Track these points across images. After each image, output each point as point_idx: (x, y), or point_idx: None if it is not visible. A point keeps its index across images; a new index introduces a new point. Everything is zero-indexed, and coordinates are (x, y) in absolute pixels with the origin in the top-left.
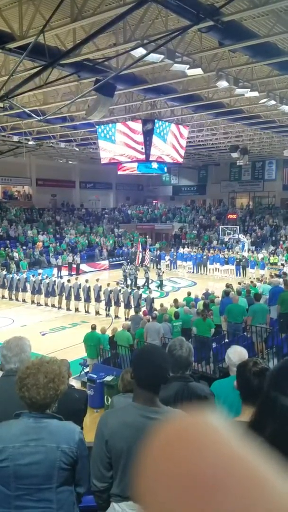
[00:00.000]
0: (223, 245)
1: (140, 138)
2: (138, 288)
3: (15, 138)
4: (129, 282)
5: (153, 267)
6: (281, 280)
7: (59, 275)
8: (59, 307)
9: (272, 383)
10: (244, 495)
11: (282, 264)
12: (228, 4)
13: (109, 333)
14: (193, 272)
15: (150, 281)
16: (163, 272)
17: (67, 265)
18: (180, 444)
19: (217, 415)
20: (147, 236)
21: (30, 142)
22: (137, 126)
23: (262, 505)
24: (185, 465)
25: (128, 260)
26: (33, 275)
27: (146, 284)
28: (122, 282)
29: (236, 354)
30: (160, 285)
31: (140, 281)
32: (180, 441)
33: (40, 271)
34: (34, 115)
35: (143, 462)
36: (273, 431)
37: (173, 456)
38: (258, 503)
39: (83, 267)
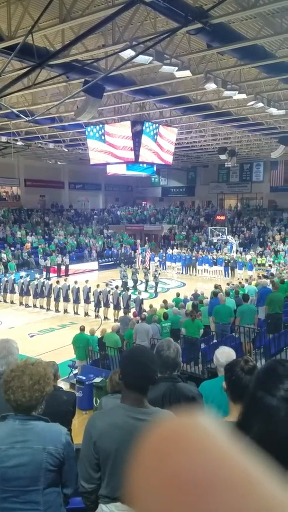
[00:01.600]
0: (212, 246)
1: (129, 139)
2: (128, 289)
3: (3, 139)
4: (129, 284)
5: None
6: (268, 281)
7: (47, 277)
8: (48, 309)
9: (258, 383)
10: (235, 497)
11: (270, 265)
12: (217, 7)
13: (98, 334)
14: (182, 273)
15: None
16: (159, 273)
17: (55, 266)
18: (171, 447)
19: (207, 417)
20: (146, 239)
21: (19, 143)
22: (126, 127)
23: (252, 506)
24: (175, 468)
25: (118, 262)
26: (21, 277)
27: (145, 286)
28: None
29: (224, 354)
30: (156, 287)
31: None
32: (170, 443)
33: (22, 273)
34: (22, 116)
35: (134, 464)
36: (259, 430)
37: (164, 459)
38: (248, 505)
39: (72, 268)
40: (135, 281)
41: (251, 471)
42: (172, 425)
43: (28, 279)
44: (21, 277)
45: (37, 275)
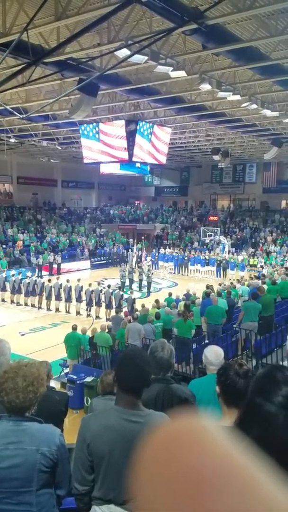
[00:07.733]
0: (204, 247)
1: (123, 138)
2: (119, 288)
3: None
4: (127, 283)
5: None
6: (259, 282)
7: (39, 275)
8: (39, 307)
9: (256, 390)
10: (236, 497)
11: (261, 266)
12: (212, 8)
13: (89, 333)
14: (174, 273)
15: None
16: (152, 273)
17: (47, 264)
18: (175, 447)
19: (209, 419)
20: (143, 238)
21: (12, 140)
22: (120, 126)
23: (253, 507)
24: (178, 468)
25: (118, 261)
26: (12, 275)
27: (139, 285)
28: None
29: (213, 352)
30: (148, 286)
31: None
32: (174, 444)
33: (13, 271)
34: (16, 113)
35: (138, 464)
36: (257, 436)
37: (168, 459)
38: (249, 505)
39: (64, 266)
40: (131, 280)
41: (252, 472)
42: (175, 427)
43: (20, 277)
44: (12, 275)
45: (28, 273)
